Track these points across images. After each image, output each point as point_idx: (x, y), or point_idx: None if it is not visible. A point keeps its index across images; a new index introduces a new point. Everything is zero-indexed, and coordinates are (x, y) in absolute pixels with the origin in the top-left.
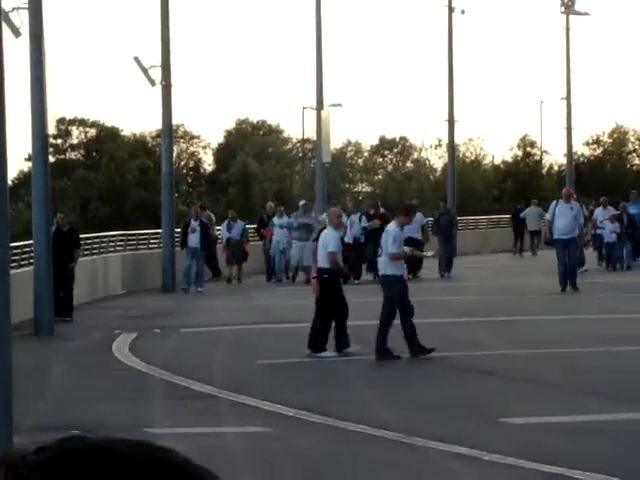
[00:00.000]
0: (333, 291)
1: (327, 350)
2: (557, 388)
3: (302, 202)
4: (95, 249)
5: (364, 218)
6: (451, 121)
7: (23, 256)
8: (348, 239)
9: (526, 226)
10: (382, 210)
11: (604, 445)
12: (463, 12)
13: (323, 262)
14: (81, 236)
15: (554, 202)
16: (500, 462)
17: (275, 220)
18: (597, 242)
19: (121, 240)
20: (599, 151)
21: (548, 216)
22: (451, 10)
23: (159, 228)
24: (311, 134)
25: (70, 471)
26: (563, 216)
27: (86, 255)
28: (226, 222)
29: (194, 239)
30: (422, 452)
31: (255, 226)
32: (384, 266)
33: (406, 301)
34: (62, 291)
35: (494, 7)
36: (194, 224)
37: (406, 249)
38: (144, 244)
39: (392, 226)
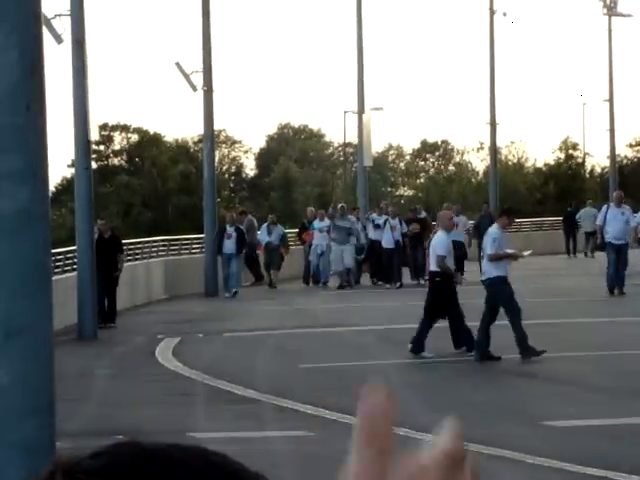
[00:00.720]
0: (445, 294)
1: (425, 350)
2: (601, 390)
3: (340, 205)
4: (137, 254)
5: (404, 223)
6: (493, 124)
7: (67, 262)
8: (388, 244)
9: (577, 228)
10: (422, 214)
11: None
12: (505, 14)
13: (434, 265)
14: (123, 241)
15: (605, 206)
16: (544, 465)
17: (315, 224)
18: None
19: (163, 245)
20: None
21: (599, 221)
22: (493, 12)
23: (201, 233)
24: (352, 138)
25: (128, 476)
26: (615, 221)
27: (129, 260)
28: (265, 226)
29: (230, 245)
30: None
31: (296, 231)
32: (487, 269)
33: (513, 301)
34: (107, 298)
35: (536, 9)
36: (230, 230)
37: (508, 251)
38: (186, 249)
39: (493, 228)
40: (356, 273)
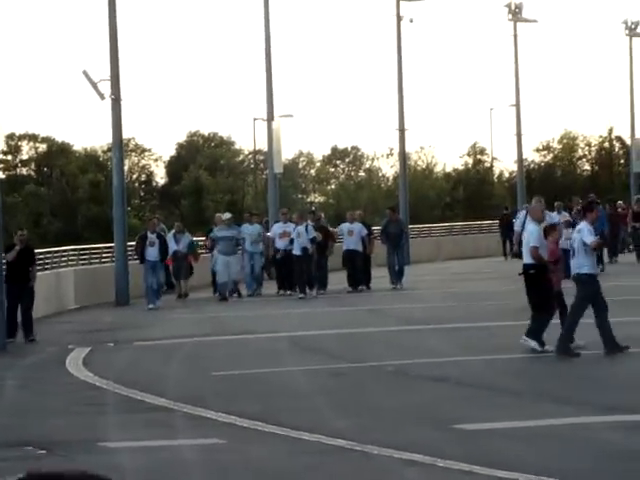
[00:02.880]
0: (543, 285)
1: (536, 342)
2: (509, 393)
3: (226, 215)
4: (47, 264)
5: (311, 228)
6: (402, 130)
7: None
8: (296, 251)
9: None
10: (323, 222)
11: (556, 449)
12: (411, 21)
13: (527, 258)
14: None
15: (523, 211)
16: (454, 468)
17: (215, 231)
18: None
19: (73, 255)
20: (549, 157)
21: (517, 227)
22: (399, 19)
23: (111, 242)
24: (263, 145)
25: None
26: None
27: (39, 270)
28: (172, 234)
29: (153, 252)
30: (377, 460)
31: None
32: (579, 264)
33: (600, 297)
34: (22, 310)
35: (442, 15)
36: (152, 237)
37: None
38: (97, 258)
39: (584, 224)
40: (260, 280)
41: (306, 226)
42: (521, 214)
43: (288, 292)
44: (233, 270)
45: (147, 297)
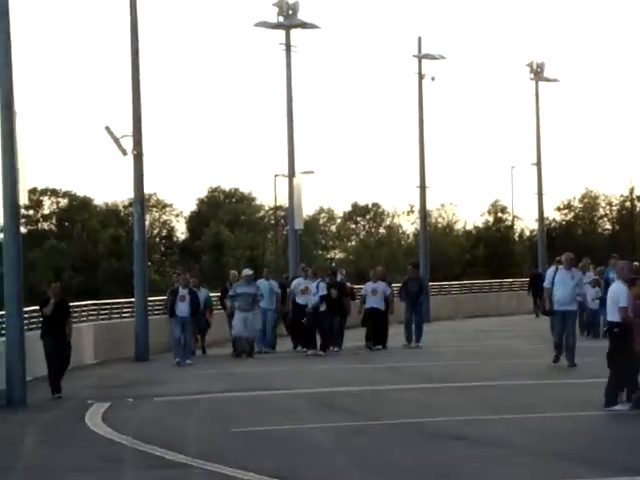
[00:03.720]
0: (624, 345)
1: (619, 403)
2: (529, 453)
3: (247, 272)
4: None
5: (322, 286)
6: (423, 187)
7: None
8: (309, 308)
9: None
10: (340, 277)
11: None
12: (433, 79)
13: (613, 316)
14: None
15: (553, 267)
16: None
17: (235, 287)
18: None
19: (94, 309)
20: (570, 216)
21: (547, 284)
22: (421, 77)
23: (132, 297)
24: (283, 201)
25: None
26: (563, 284)
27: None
28: (187, 290)
29: (184, 308)
30: None
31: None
32: None
33: None
34: (62, 365)
35: (464, 74)
36: (183, 292)
37: None
38: (117, 313)
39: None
40: (272, 339)
41: (318, 283)
42: (550, 270)
43: (304, 350)
44: (250, 327)
45: (174, 351)
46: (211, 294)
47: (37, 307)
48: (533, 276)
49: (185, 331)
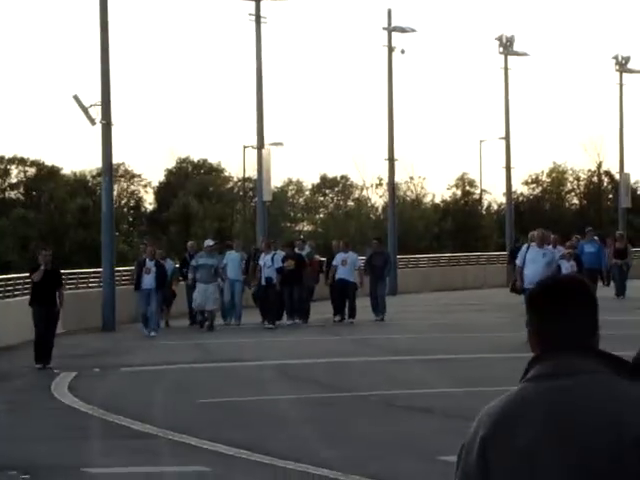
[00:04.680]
0: None
1: None
2: None
3: (209, 242)
4: None
5: (278, 258)
6: (391, 160)
7: None
8: (261, 281)
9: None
10: (305, 250)
11: None
12: (403, 52)
13: None
14: (17, 276)
15: (525, 246)
16: None
17: (196, 258)
18: None
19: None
20: (538, 190)
21: (518, 261)
22: (391, 50)
23: (99, 267)
24: (252, 173)
25: None
26: (534, 263)
27: (25, 294)
28: (153, 262)
29: (149, 280)
30: None
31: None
32: None
33: None
34: (47, 334)
35: (434, 47)
36: (149, 264)
37: None
38: (84, 283)
39: None
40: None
41: (273, 255)
42: (524, 247)
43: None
44: (211, 299)
45: (142, 323)
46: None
47: (3, 276)
48: (513, 251)
49: (151, 303)
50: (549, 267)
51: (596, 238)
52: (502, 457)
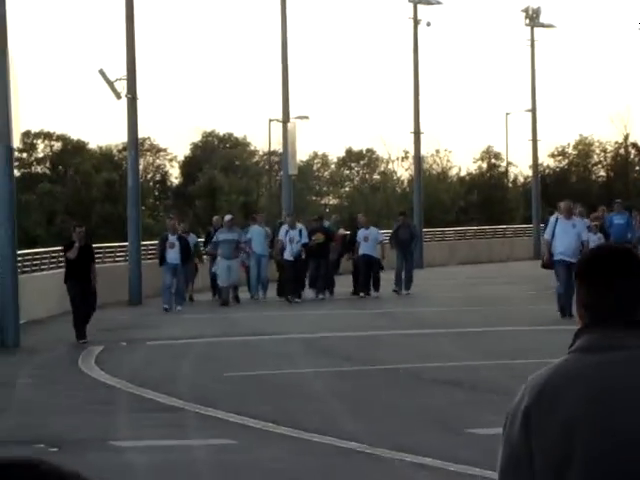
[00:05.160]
0: None
1: None
2: None
3: (228, 217)
4: (61, 262)
5: (304, 233)
6: (417, 133)
7: None
8: (288, 256)
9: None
10: (327, 223)
11: None
12: (429, 24)
13: None
14: (44, 250)
15: (553, 217)
16: (465, 472)
17: (217, 234)
18: None
19: None
20: (564, 163)
21: (547, 235)
22: (417, 22)
23: (125, 241)
24: (277, 146)
25: None
26: (565, 235)
27: (52, 268)
28: (176, 237)
29: (173, 255)
30: (388, 463)
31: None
32: None
33: None
34: (88, 310)
35: (459, 19)
36: (172, 239)
37: None
38: (110, 257)
39: None
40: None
41: (300, 230)
42: (552, 219)
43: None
44: (234, 275)
45: (163, 298)
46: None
47: (31, 250)
48: (544, 222)
49: (176, 278)
50: (580, 238)
51: (625, 210)
52: (543, 427)
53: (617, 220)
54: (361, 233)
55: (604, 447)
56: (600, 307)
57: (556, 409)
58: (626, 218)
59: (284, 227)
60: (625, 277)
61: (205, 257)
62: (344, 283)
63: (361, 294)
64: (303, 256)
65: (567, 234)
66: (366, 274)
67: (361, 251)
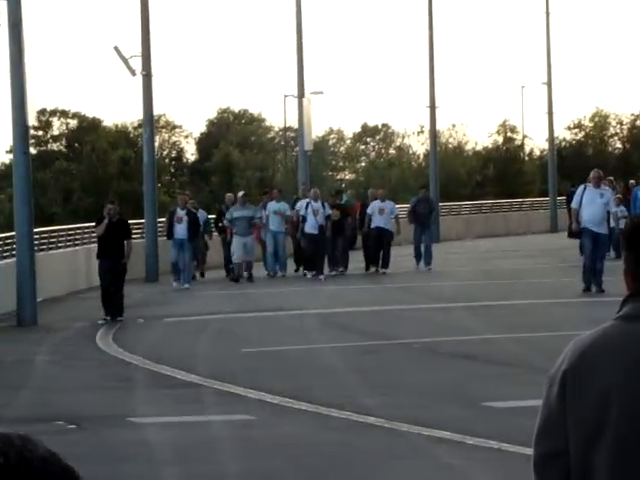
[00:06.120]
0: None
1: None
2: (540, 371)
3: (241, 193)
4: (78, 240)
5: (327, 206)
6: (433, 107)
7: (6, 248)
8: (312, 229)
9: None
10: (344, 199)
11: None
12: None
13: None
14: (60, 228)
15: (581, 187)
16: (483, 446)
17: (231, 211)
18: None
19: None
20: (580, 135)
21: (574, 204)
22: None
23: (141, 218)
24: (293, 122)
25: None
26: (592, 204)
27: (68, 246)
28: (185, 211)
29: (181, 230)
30: (406, 437)
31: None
32: None
33: None
34: (114, 287)
35: None
36: (180, 213)
37: None
38: None
39: None
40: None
41: (323, 203)
42: (579, 189)
43: (304, 272)
44: (249, 251)
45: (174, 274)
46: (211, 216)
47: (47, 228)
48: (570, 194)
49: (183, 253)
50: (606, 208)
51: None
52: (580, 392)
53: None
54: (377, 204)
55: (636, 418)
56: None
57: (593, 376)
58: None
59: (302, 201)
60: None
61: (215, 234)
62: (358, 258)
63: (372, 268)
64: (328, 233)
65: (594, 203)
66: (376, 248)
67: (374, 223)
